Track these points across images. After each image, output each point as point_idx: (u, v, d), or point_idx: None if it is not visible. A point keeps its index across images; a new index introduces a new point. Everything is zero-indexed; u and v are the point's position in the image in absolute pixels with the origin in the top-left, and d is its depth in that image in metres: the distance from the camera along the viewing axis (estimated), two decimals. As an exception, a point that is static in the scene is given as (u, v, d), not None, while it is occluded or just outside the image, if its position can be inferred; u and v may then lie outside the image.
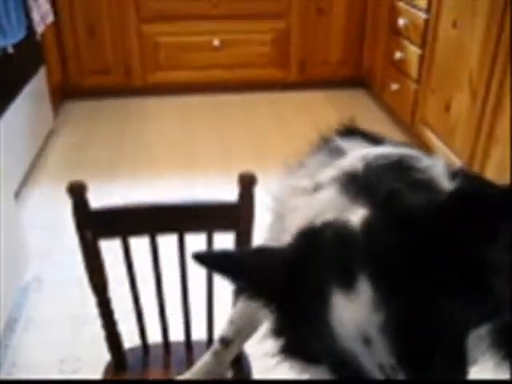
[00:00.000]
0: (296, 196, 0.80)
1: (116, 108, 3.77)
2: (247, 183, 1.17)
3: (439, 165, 0.77)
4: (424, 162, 0.77)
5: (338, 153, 0.84)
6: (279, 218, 0.87)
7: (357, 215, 0.66)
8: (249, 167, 1.24)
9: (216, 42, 3.80)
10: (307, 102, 3.92)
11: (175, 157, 3.23)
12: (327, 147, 0.88)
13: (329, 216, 0.68)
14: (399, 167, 0.75)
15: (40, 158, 3.18)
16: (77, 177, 3.38)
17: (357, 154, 0.79)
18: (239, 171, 1.18)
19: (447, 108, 2.83)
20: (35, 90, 3.16)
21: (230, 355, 1.22)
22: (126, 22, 3.68)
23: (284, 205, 0.85)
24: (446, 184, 0.73)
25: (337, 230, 0.66)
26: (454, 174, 0.76)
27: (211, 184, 2.92)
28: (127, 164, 3.16)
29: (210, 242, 1.23)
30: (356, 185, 0.71)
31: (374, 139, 0.88)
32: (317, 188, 0.77)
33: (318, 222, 0.68)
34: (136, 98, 3.85)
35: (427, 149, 3.04)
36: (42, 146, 3.23)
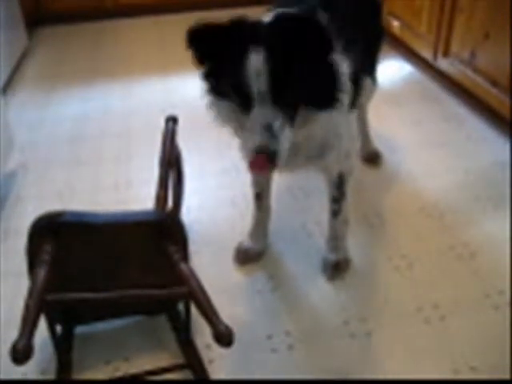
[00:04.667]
0: None
1: (90, 30, 3.78)
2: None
3: None
4: None
5: None
6: None
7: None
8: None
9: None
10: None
11: (150, 65, 3.28)
12: None
13: None
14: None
15: (16, 73, 3.21)
16: (56, 85, 3.34)
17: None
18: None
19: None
20: (7, 11, 3.16)
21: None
22: None
23: None
24: None
25: (255, 22, 1.27)
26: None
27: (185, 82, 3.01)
28: (104, 73, 3.20)
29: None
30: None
31: None
32: None
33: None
34: (109, 20, 3.87)
35: (394, 38, 3.13)
36: (17, 64, 3.24)
